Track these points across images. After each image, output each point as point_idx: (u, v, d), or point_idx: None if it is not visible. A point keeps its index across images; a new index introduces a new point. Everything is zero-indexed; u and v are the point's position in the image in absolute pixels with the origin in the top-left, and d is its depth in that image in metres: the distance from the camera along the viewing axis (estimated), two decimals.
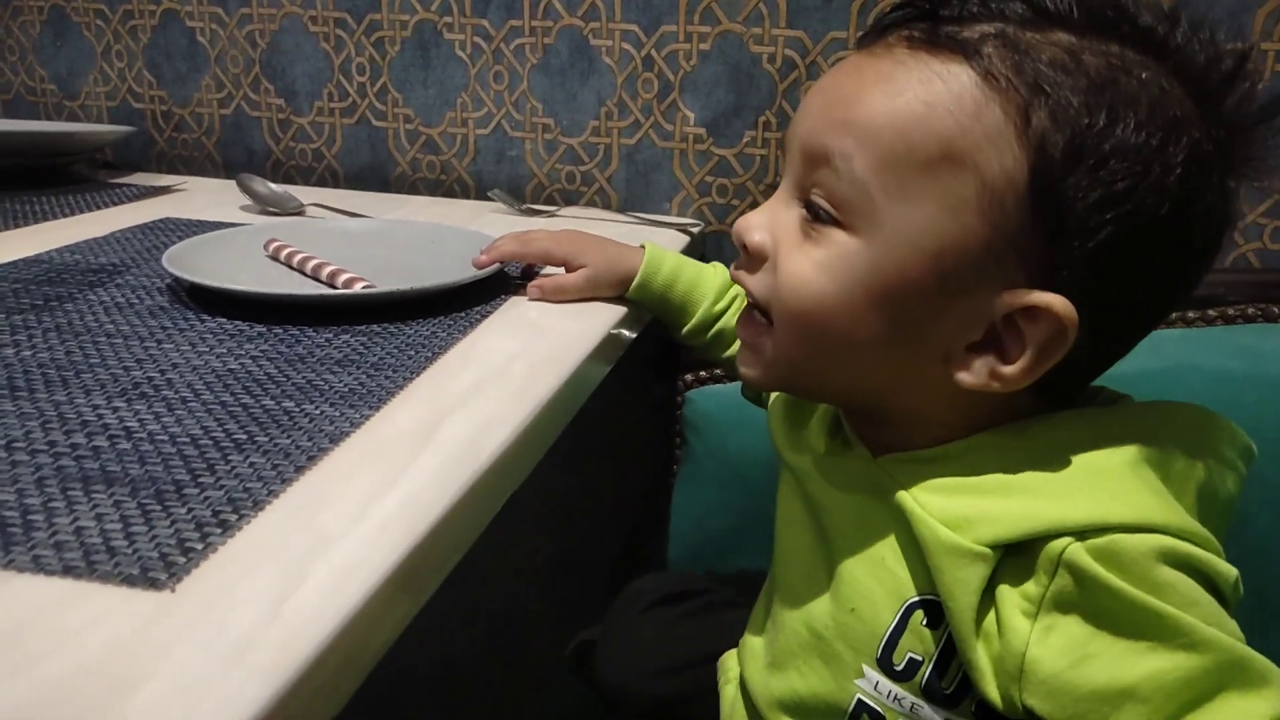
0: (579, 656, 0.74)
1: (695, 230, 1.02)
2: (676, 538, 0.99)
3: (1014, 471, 0.42)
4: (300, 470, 0.42)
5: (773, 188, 0.51)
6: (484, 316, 0.66)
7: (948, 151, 0.39)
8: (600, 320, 0.68)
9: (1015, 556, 0.40)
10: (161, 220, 0.91)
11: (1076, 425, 0.43)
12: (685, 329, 0.70)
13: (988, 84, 0.39)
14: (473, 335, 0.62)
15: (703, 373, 0.97)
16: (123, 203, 1.00)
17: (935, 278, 0.41)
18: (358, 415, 0.48)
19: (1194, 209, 0.40)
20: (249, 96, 1.19)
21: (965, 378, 0.42)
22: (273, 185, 0.99)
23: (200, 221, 0.91)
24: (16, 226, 0.86)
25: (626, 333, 0.71)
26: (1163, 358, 0.79)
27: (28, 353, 0.54)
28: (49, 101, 1.28)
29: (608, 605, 0.75)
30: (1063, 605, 0.38)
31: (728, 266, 0.71)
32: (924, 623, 0.43)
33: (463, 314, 0.66)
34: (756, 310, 0.48)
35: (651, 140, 1.06)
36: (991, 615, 0.40)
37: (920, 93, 0.40)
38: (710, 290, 0.69)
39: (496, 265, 0.71)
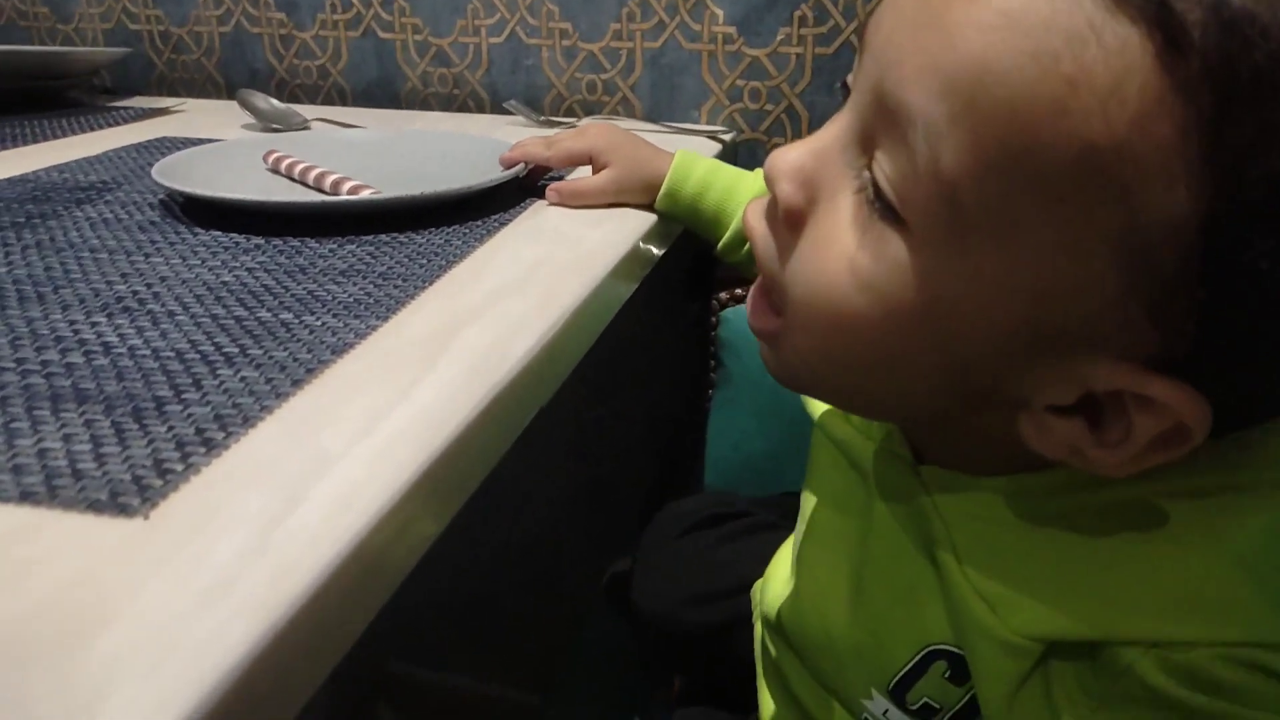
0: (613, 587, 0.70)
1: (727, 138, 0.95)
2: (713, 463, 0.94)
3: (1083, 542, 0.31)
4: (298, 384, 0.37)
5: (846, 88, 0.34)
6: (502, 225, 0.60)
7: (1088, 165, 0.25)
8: (629, 228, 0.62)
9: (1064, 649, 0.32)
10: (158, 139, 0.86)
11: (1173, 481, 0.31)
12: (721, 244, 0.63)
13: (1171, 65, 0.24)
14: (490, 244, 0.57)
15: (739, 290, 0.91)
16: (118, 124, 0.94)
17: (1025, 329, 0.28)
18: (363, 326, 0.43)
19: None
20: (248, 12, 1.12)
21: (1034, 437, 0.31)
22: (275, 101, 0.93)
23: (198, 139, 0.85)
24: (4, 148, 0.81)
25: (655, 246, 0.65)
26: None
27: (3, 269, 0.50)
28: (41, 26, 1.22)
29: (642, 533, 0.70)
30: (1130, 704, 0.30)
31: None
32: (946, 675, 0.36)
33: (479, 222, 0.60)
34: (770, 296, 0.35)
35: (678, 42, 0.98)
36: (1033, 699, 0.32)
37: (1064, 60, 0.25)
38: (744, 198, 0.62)
39: (520, 167, 0.65)
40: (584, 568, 0.79)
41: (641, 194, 0.64)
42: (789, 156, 0.33)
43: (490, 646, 0.78)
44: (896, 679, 0.37)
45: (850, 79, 0.33)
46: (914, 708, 0.37)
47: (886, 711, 0.38)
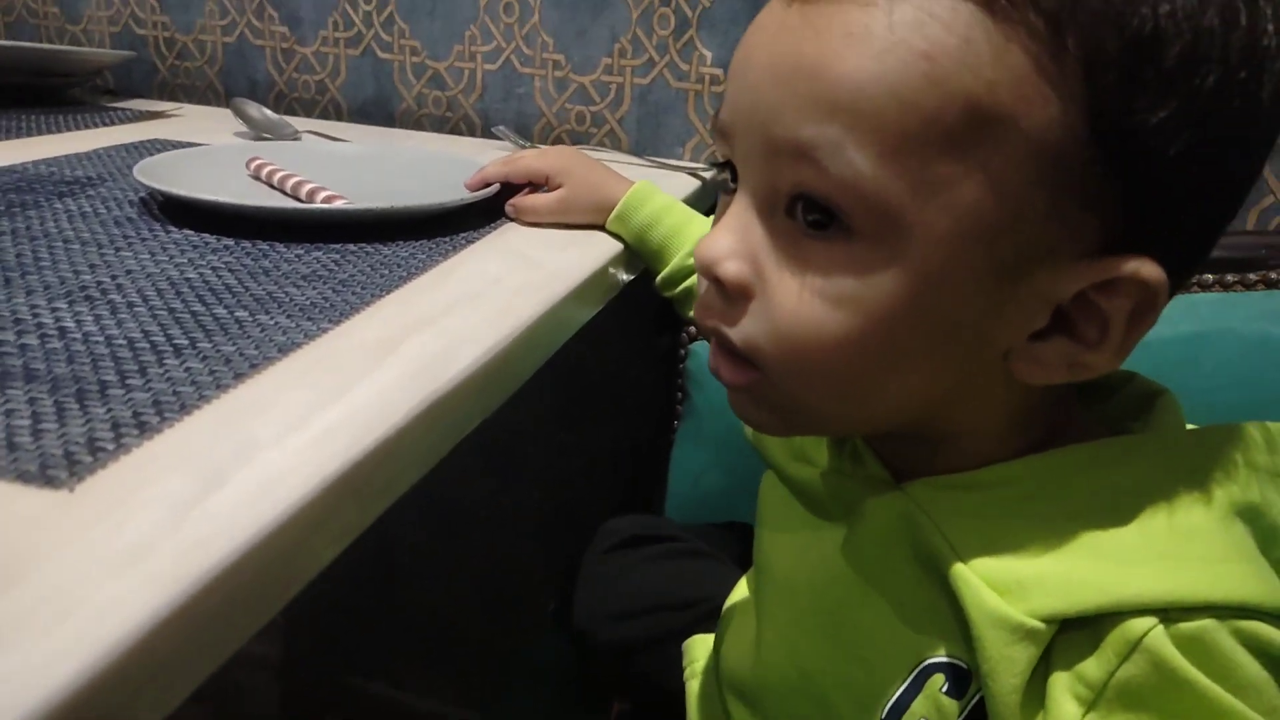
0: (560, 609, 0.71)
1: (707, 176, 0.97)
2: (674, 495, 0.95)
3: (1078, 516, 0.33)
4: (240, 378, 0.39)
5: (726, 169, 0.38)
6: (469, 243, 0.62)
7: (975, 113, 0.29)
8: (594, 254, 0.63)
9: (1073, 629, 0.32)
10: (149, 141, 0.88)
11: (1150, 454, 0.35)
12: (659, 277, 0.66)
13: (997, 13, 0.29)
14: (454, 259, 0.58)
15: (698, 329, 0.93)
16: (114, 124, 0.96)
17: (989, 270, 0.32)
18: (315, 328, 0.44)
19: (1271, 83, 0.30)
20: (252, 24, 1.15)
21: (1035, 373, 0.33)
22: (268, 110, 0.95)
23: (190, 143, 0.87)
24: (1, 139, 0.83)
25: (622, 273, 0.67)
26: (1197, 321, 0.74)
27: None
28: (50, 25, 1.24)
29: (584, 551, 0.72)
30: (1129, 697, 0.31)
31: None
32: (944, 689, 0.36)
33: (447, 239, 0.62)
34: (734, 352, 0.36)
35: (666, 80, 1.01)
36: (1033, 695, 0.33)
37: (915, 43, 0.30)
38: (689, 240, 0.64)
39: (487, 190, 0.67)
40: (543, 591, 0.80)
41: (590, 215, 0.67)
42: (718, 245, 0.35)
43: (438, 663, 0.78)
44: (891, 703, 0.37)
45: (721, 157, 0.37)
46: None
47: None
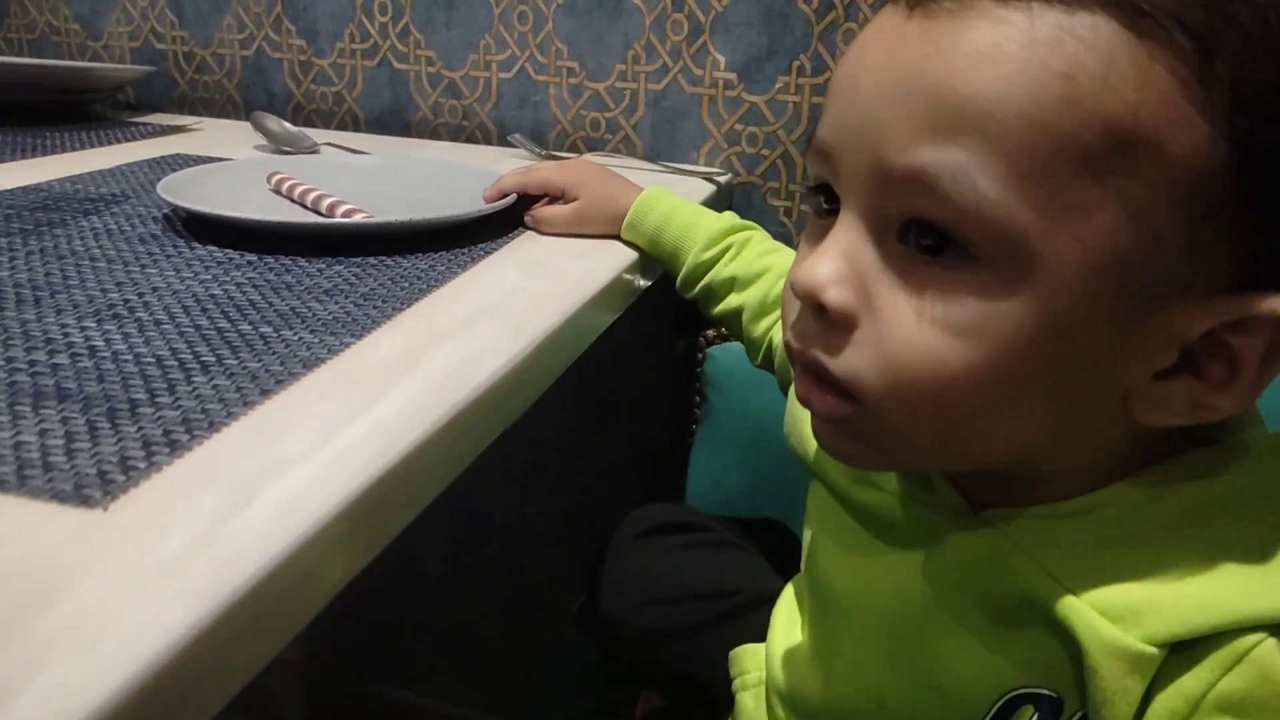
0: (583, 611, 0.71)
1: (722, 180, 0.97)
2: (694, 498, 0.95)
3: (1180, 532, 0.32)
4: (266, 394, 0.39)
5: (821, 191, 0.36)
6: (488, 253, 0.63)
7: (1115, 136, 0.28)
8: (610, 262, 0.64)
9: (1181, 651, 0.31)
10: (171, 156, 0.89)
11: (1246, 463, 0.34)
12: (678, 280, 0.66)
13: (1141, 32, 0.28)
14: (473, 270, 0.59)
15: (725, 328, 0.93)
16: (136, 140, 0.98)
17: (1119, 304, 0.30)
18: (337, 342, 0.45)
19: None
20: (270, 37, 1.16)
21: (1156, 415, 0.32)
22: (287, 124, 0.96)
23: (211, 158, 0.89)
24: (24, 158, 0.84)
25: (639, 279, 0.67)
26: None
27: (5, 274, 0.52)
28: (72, 41, 1.26)
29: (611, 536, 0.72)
30: (1229, 707, 0.30)
31: (760, 225, 0.66)
32: (1035, 719, 0.35)
33: (465, 250, 0.62)
34: (829, 382, 0.34)
35: (680, 86, 1.01)
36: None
37: (1052, 63, 0.28)
38: (702, 236, 0.63)
39: (504, 200, 0.68)
40: (561, 595, 0.80)
41: (604, 226, 0.67)
42: (821, 270, 0.33)
43: (461, 667, 0.78)
44: None
45: (814, 179, 0.35)
46: None
47: None
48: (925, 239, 0.31)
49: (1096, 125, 0.28)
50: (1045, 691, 0.35)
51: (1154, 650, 0.31)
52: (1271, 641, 0.30)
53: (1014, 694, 0.35)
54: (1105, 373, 0.32)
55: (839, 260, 0.33)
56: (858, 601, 0.43)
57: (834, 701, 0.44)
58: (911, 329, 0.31)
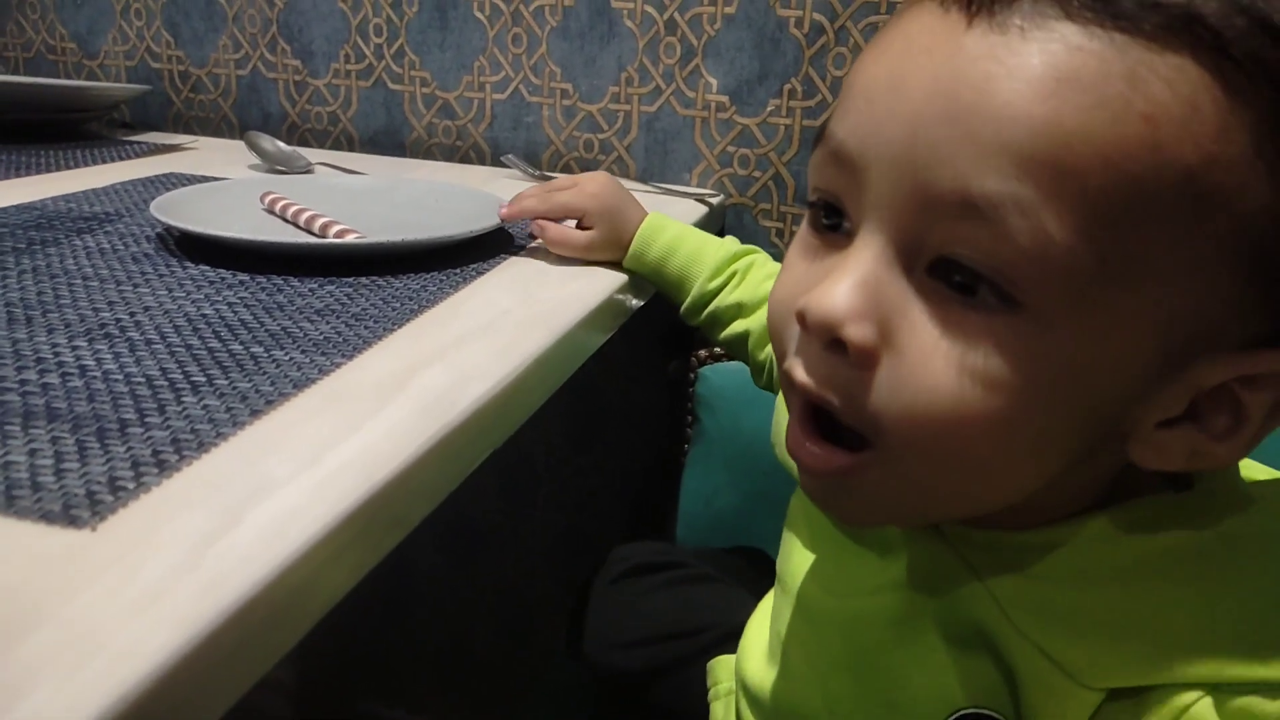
0: (571, 638, 0.71)
1: (715, 202, 0.98)
2: (685, 518, 0.95)
3: (1137, 588, 0.32)
4: (256, 414, 0.39)
5: (821, 206, 0.33)
6: (480, 274, 0.63)
7: (1191, 187, 0.26)
8: (601, 284, 0.64)
9: (1122, 697, 0.32)
10: (165, 175, 0.89)
11: (1206, 515, 0.33)
12: (682, 308, 0.66)
13: (1228, 80, 0.26)
14: (464, 291, 0.59)
15: (717, 349, 0.93)
16: (130, 158, 0.98)
17: (1156, 356, 0.29)
18: (328, 363, 0.45)
19: None
20: (265, 57, 1.17)
21: (1153, 459, 0.31)
22: (281, 144, 0.97)
23: (205, 177, 0.89)
24: (19, 176, 0.85)
25: (631, 299, 0.68)
26: None
27: None
28: (69, 60, 1.27)
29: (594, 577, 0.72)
30: None
31: (756, 246, 0.67)
32: None
33: (457, 270, 0.63)
34: (832, 422, 0.32)
35: (673, 108, 1.02)
36: None
37: (1135, 102, 0.26)
38: (707, 265, 0.64)
39: (497, 221, 0.68)
40: (553, 616, 0.80)
41: (615, 253, 0.67)
42: (840, 301, 0.30)
43: (453, 688, 0.78)
44: None
45: (824, 185, 0.33)
46: None
47: None
48: (958, 275, 0.29)
49: (1173, 174, 0.26)
50: (993, 714, 0.34)
51: (1093, 692, 0.31)
52: (1208, 700, 0.30)
53: (962, 714, 0.35)
54: (1120, 420, 0.31)
55: (859, 291, 0.30)
56: (819, 604, 0.43)
57: (788, 704, 0.44)
58: (940, 374, 0.29)
